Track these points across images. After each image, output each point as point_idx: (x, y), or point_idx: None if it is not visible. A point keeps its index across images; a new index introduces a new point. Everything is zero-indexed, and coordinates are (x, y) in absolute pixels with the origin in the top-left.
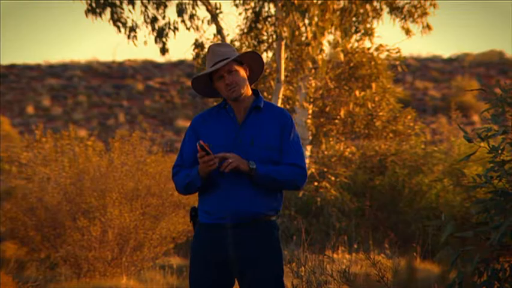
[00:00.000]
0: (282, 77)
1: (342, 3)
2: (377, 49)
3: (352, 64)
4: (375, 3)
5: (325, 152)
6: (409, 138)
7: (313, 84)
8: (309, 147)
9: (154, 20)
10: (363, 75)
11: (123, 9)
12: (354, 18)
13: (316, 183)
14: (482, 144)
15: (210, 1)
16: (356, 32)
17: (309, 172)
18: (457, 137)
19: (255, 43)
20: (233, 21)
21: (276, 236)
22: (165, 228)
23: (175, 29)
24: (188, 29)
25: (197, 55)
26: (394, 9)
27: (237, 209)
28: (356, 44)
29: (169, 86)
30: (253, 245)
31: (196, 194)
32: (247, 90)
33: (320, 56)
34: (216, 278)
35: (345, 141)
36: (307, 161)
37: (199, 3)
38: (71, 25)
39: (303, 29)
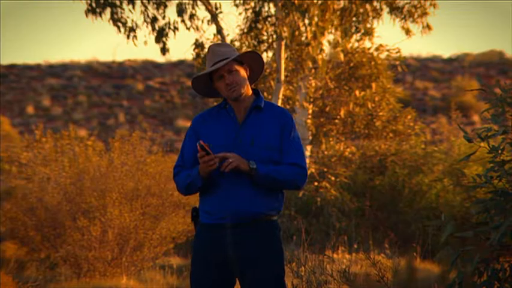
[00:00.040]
0: (282, 77)
1: (342, 3)
2: (377, 49)
3: (352, 64)
4: (375, 3)
5: (325, 152)
6: (409, 138)
7: (313, 84)
8: (309, 147)
9: (154, 20)
10: (363, 75)
11: (123, 9)
12: (354, 18)
13: (316, 183)
14: (482, 144)
15: (210, 1)
16: (356, 32)
17: (308, 172)
18: (457, 137)
19: (255, 43)
20: (233, 21)
21: (277, 236)
22: (165, 228)
23: (175, 29)
24: (188, 29)
25: (197, 55)
26: (394, 9)
27: (237, 209)
28: (356, 44)
29: (169, 86)
30: (253, 245)
31: (197, 194)
32: (248, 90)
33: (320, 56)
34: (216, 278)
35: (345, 141)
36: (307, 161)
37: (199, 3)
38: (71, 25)
39: (303, 29)
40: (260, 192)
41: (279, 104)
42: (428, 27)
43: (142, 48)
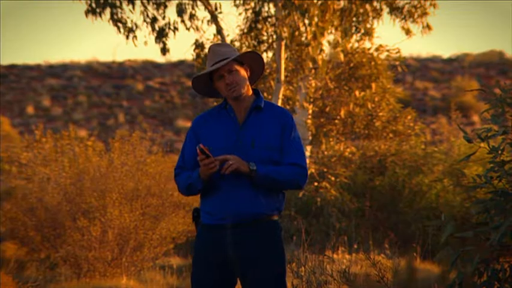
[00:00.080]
0: (282, 77)
1: (342, 4)
2: (377, 49)
3: (352, 64)
4: (375, 3)
5: (325, 152)
6: (409, 139)
7: (313, 85)
8: (309, 148)
9: (154, 20)
10: (363, 75)
11: (123, 9)
12: (354, 19)
13: (316, 184)
14: (482, 144)
15: (210, 1)
16: (356, 32)
17: (308, 172)
18: (457, 137)
19: (255, 43)
20: (233, 22)
21: (278, 236)
22: (165, 229)
23: (175, 29)
24: (188, 29)
25: (197, 55)
26: (394, 10)
27: (237, 210)
28: (356, 44)
29: (169, 86)
30: (253, 245)
31: (197, 195)
32: (248, 90)
33: (320, 56)
34: (217, 279)
35: (344, 142)
36: (307, 161)
37: (199, 3)
38: (71, 25)
39: (302, 29)
40: (260, 192)
41: (279, 104)
42: (429, 27)
43: (143, 49)
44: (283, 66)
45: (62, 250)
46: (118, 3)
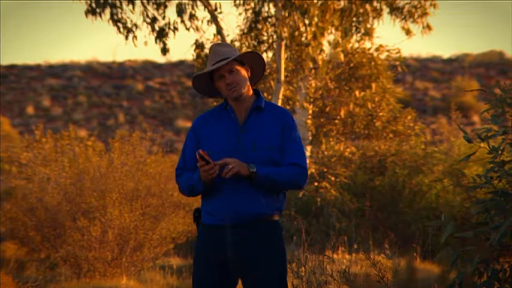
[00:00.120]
0: (282, 77)
1: (342, 4)
2: (377, 49)
3: (352, 64)
4: (375, 4)
5: (325, 152)
6: (409, 139)
7: (313, 85)
8: (309, 148)
9: (154, 20)
10: (363, 75)
11: (123, 9)
12: (354, 19)
13: (316, 184)
14: (482, 144)
15: (210, 1)
16: (356, 32)
17: (308, 172)
18: (457, 137)
19: (255, 43)
20: (233, 22)
21: (279, 236)
22: (165, 229)
23: (175, 29)
24: (188, 29)
25: (198, 55)
26: (394, 10)
27: (237, 210)
28: (356, 45)
29: (169, 86)
30: (254, 245)
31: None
32: (248, 91)
33: (320, 57)
34: (217, 279)
35: (344, 142)
36: (307, 161)
37: (199, 3)
38: (71, 25)
39: (303, 29)
40: (261, 192)
41: (279, 104)
42: (429, 27)
43: (143, 49)
44: (283, 66)
45: (62, 250)
46: (118, 3)
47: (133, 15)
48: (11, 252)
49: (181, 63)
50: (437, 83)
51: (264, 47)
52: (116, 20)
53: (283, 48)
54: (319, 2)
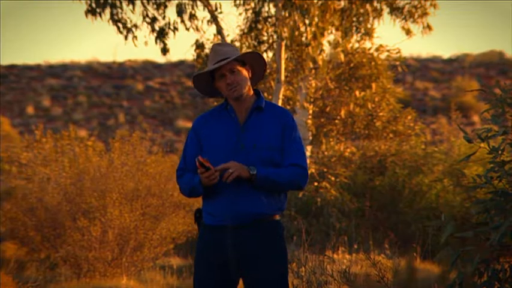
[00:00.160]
0: (282, 77)
1: (342, 4)
2: (377, 49)
3: (352, 64)
4: (375, 4)
5: (325, 152)
6: (409, 139)
7: (314, 85)
8: (309, 148)
9: (154, 20)
10: (363, 75)
11: (123, 9)
12: (354, 19)
13: (316, 184)
14: (482, 144)
15: (210, 1)
16: (356, 32)
17: (309, 172)
18: (457, 137)
19: (255, 43)
20: (233, 22)
21: (281, 236)
22: (165, 229)
23: (175, 29)
24: (188, 29)
25: (198, 55)
26: (395, 10)
27: (238, 211)
28: (356, 45)
29: (169, 86)
30: (254, 245)
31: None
32: (249, 91)
33: (320, 57)
34: (218, 279)
35: (345, 142)
36: (307, 161)
37: (198, 3)
38: (71, 25)
39: (303, 29)
40: (262, 193)
41: (279, 104)
42: (429, 27)
43: (143, 49)
44: (283, 66)
45: (62, 250)
46: (118, 3)
47: (133, 15)
48: (11, 252)
49: (181, 63)
50: (437, 83)
51: (264, 47)
52: (116, 20)
53: (283, 48)
54: (320, 2)
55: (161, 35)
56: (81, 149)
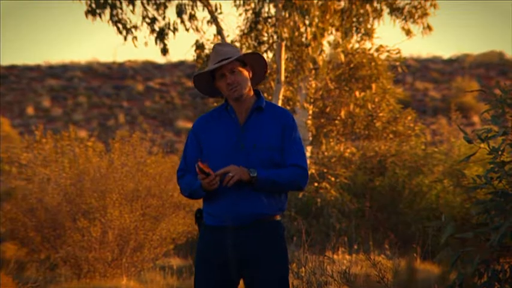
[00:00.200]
0: (282, 78)
1: (342, 4)
2: (377, 50)
3: (352, 65)
4: (375, 4)
5: (325, 153)
6: (409, 139)
7: (314, 85)
8: (309, 148)
9: (153, 20)
10: (363, 76)
11: (122, 9)
12: (354, 19)
13: (316, 184)
14: (482, 145)
15: (210, 2)
16: (357, 32)
17: (309, 173)
18: (457, 137)
19: (255, 44)
20: (233, 22)
21: (281, 236)
22: (165, 229)
23: (175, 29)
24: (187, 29)
25: (198, 56)
26: (395, 10)
27: (239, 212)
28: (356, 45)
29: (169, 86)
30: (256, 246)
31: None
32: (249, 91)
33: (320, 57)
34: (219, 280)
35: (345, 142)
36: (307, 161)
37: (198, 3)
38: (71, 25)
39: (303, 29)
40: (263, 193)
41: (279, 104)
42: (429, 27)
43: (143, 49)
44: (283, 66)
45: (62, 251)
46: (118, 4)
47: (133, 15)
48: (11, 252)
49: (181, 64)
50: (437, 83)
51: (264, 47)
52: (115, 21)
53: (283, 48)
54: (320, 3)
55: (161, 35)
56: (81, 149)
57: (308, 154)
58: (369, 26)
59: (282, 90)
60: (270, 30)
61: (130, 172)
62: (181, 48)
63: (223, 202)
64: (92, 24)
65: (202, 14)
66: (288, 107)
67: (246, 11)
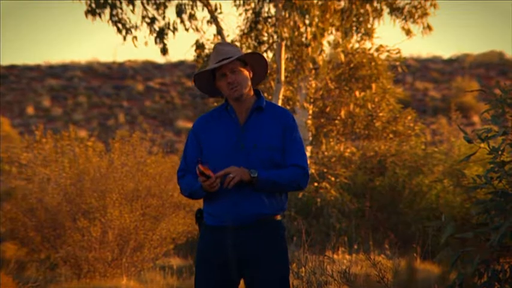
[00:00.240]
0: (282, 78)
1: (342, 4)
2: (377, 50)
3: (352, 65)
4: (375, 4)
5: (325, 153)
6: (409, 139)
7: (314, 85)
8: (309, 148)
9: (153, 20)
10: (363, 75)
11: (123, 9)
12: (354, 19)
13: (316, 184)
14: (482, 145)
15: (210, 1)
16: (357, 32)
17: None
18: (457, 137)
19: (255, 44)
20: (233, 22)
21: (282, 236)
22: (165, 229)
23: (175, 29)
24: (187, 29)
25: (198, 56)
26: (395, 10)
27: (240, 212)
28: (356, 45)
29: (169, 86)
30: (256, 246)
31: None
32: (250, 91)
33: (320, 57)
34: (219, 280)
35: (345, 142)
36: (307, 161)
37: (198, 3)
38: (71, 25)
39: (303, 29)
40: (263, 194)
41: (279, 104)
42: (429, 27)
43: (143, 49)
44: (283, 66)
45: (62, 251)
46: (118, 4)
47: (133, 15)
48: (11, 252)
49: (181, 64)
50: (437, 83)
51: (264, 47)
52: (115, 21)
53: (283, 48)
54: (320, 3)
55: (161, 35)
56: (81, 149)
57: (308, 154)
58: (369, 26)
59: (282, 90)
60: (270, 30)
61: (131, 172)
62: (181, 48)
63: (224, 202)
64: (92, 24)
65: (202, 14)
66: (288, 107)
67: (246, 10)
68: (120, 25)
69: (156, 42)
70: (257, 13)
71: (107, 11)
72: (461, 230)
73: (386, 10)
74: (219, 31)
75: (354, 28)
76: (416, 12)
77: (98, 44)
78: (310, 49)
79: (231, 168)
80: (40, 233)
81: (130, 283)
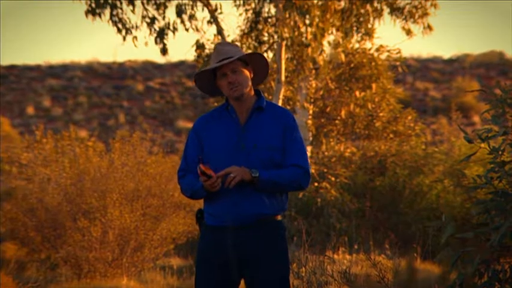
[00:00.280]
0: (283, 78)
1: (342, 4)
2: (377, 50)
3: (352, 65)
4: (375, 4)
5: (326, 153)
6: (410, 139)
7: (314, 85)
8: (309, 148)
9: (153, 20)
10: (364, 75)
11: (122, 9)
12: (354, 19)
13: (316, 184)
14: (482, 145)
15: (210, 2)
16: (357, 32)
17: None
18: (457, 137)
19: (256, 44)
20: (233, 22)
21: (282, 236)
22: (165, 229)
23: (175, 29)
24: (187, 29)
25: (198, 56)
26: (395, 10)
27: (240, 212)
28: (357, 45)
29: (169, 86)
30: (256, 246)
31: None
32: (250, 91)
33: (321, 57)
34: (220, 280)
35: (345, 142)
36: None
37: (198, 3)
38: (71, 25)
39: (303, 29)
40: (263, 194)
41: (280, 104)
42: (429, 27)
43: (143, 49)
44: (283, 66)
45: (62, 251)
46: (118, 4)
47: (133, 15)
48: (11, 252)
49: (181, 64)
50: (437, 83)
51: (264, 47)
52: (115, 21)
53: (283, 48)
54: (320, 3)
55: (161, 35)
56: (82, 149)
57: (308, 154)
58: (369, 26)
59: (282, 90)
60: (270, 30)
61: (131, 172)
62: (181, 48)
63: (224, 202)
64: (92, 24)
65: (202, 14)
66: (288, 107)
67: (246, 11)
68: (120, 25)
69: (156, 42)
70: (257, 13)
71: (107, 11)
72: (462, 230)
73: (386, 10)
74: (220, 31)
75: (354, 28)
76: (416, 12)
77: (98, 44)
78: (310, 49)
79: (232, 168)
80: (40, 233)
81: (130, 283)
